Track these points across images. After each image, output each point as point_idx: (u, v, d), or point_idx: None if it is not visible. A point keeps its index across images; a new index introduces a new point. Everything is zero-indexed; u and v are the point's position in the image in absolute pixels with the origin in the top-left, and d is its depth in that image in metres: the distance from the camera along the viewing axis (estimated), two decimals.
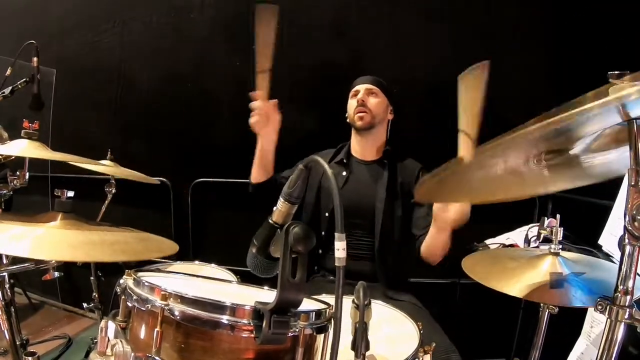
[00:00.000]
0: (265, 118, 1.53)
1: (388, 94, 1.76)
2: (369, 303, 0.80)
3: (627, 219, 0.64)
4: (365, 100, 1.69)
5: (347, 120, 1.77)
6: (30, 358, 1.26)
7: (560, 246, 1.04)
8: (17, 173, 1.53)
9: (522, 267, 1.03)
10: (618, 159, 0.71)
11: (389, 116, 1.78)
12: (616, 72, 0.59)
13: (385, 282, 1.60)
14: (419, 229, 1.61)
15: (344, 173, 1.72)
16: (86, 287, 2.10)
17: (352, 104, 1.73)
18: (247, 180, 1.79)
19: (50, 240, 0.82)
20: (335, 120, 1.86)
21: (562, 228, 1.04)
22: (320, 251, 1.67)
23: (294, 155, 1.52)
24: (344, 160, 1.75)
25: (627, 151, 0.64)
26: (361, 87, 1.72)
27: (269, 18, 1.36)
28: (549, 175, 0.83)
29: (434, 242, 1.49)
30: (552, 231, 1.04)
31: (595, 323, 1.33)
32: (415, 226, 1.64)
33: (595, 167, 0.81)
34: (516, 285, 0.96)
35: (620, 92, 0.50)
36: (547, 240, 1.11)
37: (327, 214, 1.69)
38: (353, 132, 1.78)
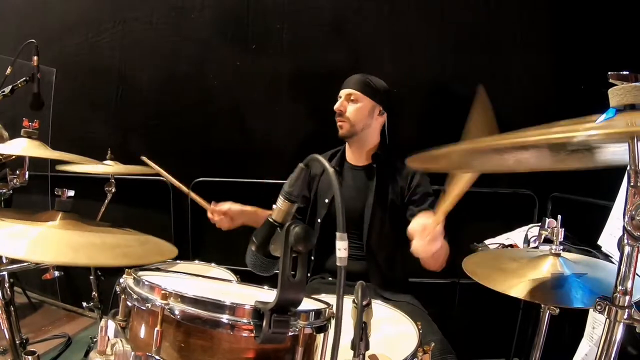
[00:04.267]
0: (226, 222, 1.58)
1: (374, 96, 1.65)
2: (369, 303, 0.80)
3: (626, 219, 0.64)
4: (342, 109, 1.63)
5: None
6: (29, 357, 1.26)
7: (562, 247, 1.04)
8: (17, 172, 1.53)
9: (523, 267, 1.02)
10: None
11: (377, 118, 1.67)
12: (616, 73, 0.59)
13: (378, 282, 1.58)
14: None
15: None
16: (86, 286, 2.10)
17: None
18: (247, 180, 1.79)
19: (50, 242, 0.81)
20: (334, 121, 1.85)
21: (563, 229, 1.04)
22: (312, 258, 1.60)
23: (293, 155, 1.52)
24: (337, 168, 1.71)
25: None
26: (342, 93, 1.66)
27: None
28: (555, 157, 0.82)
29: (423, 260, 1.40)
30: (553, 232, 1.04)
31: (597, 324, 1.32)
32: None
33: (605, 153, 0.80)
34: (517, 286, 0.95)
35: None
36: (547, 241, 1.11)
37: (319, 220, 1.62)
38: None
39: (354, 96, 1.63)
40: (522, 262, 1.06)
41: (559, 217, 1.06)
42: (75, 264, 0.79)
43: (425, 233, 1.21)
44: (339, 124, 1.65)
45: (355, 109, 1.63)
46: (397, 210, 1.62)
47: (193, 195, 1.58)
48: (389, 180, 1.64)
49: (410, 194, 1.62)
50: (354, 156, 1.73)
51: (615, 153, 0.77)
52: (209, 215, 1.57)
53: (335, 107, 1.64)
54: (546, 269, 1.00)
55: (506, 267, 1.05)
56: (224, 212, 1.56)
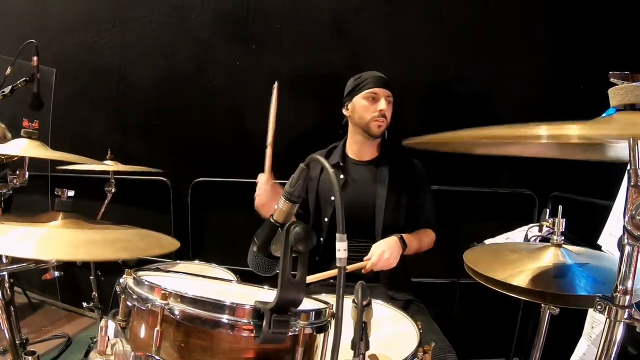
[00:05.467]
0: (266, 197, 1.48)
1: (394, 95, 1.70)
2: (369, 303, 0.80)
3: (626, 218, 0.64)
4: (386, 110, 1.62)
5: (355, 121, 1.67)
6: (30, 357, 1.26)
7: (563, 237, 1.03)
8: (17, 172, 1.53)
9: (524, 258, 1.01)
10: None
11: None
12: (617, 72, 0.59)
13: (387, 282, 1.59)
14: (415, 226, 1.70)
15: (341, 176, 1.68)
16: (86, 287, 2.11)
17: (367, 107, 1.63)
18: (247, 180, 1.78)
19: (52, 240, 0.82)
20: (334, 120, 1.85)
21: (564, 219, 1.03)
22: (317, 258, 1.62)
23: (292, 155, 1.51)
24: (340, 164, 1.70)
25: None
26: (381, 93, 1.62)
27: (277, 95, 1.48)
28: (561, 147, 0.82)
29: None
30: (554, 223, 1.03)
31: (595, 323, 1.32)
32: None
33: (611, 148, 0.80)
34: (519, 275, 0.94)
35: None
36: (546, 241, 1.11)
37: (326, 219, 1.66)
38: (354, 132, 1.71)
39: (390, 97, 1.65)
40: (523, 254, 1.05)
41: (560, 207, 1.05)
42: (80, 259, 0.79)
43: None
44: (379, 124, 1.63)
45: (390, 109, 1.66)
46: (408, 202, 1.67)
47: (270, 152, 1.46)
48: (399, 173, 1.67)
49: (416, 187, 1.69)
50: (361, 152, 1.73)
51: (623, 148, 0.77)
52: (261, 181, 1.49)
53: (381, 107, 1.61)
54: (548, 259, 0.99)
55: (507, 259, 1.03)
56: (276, 189, 1.49)
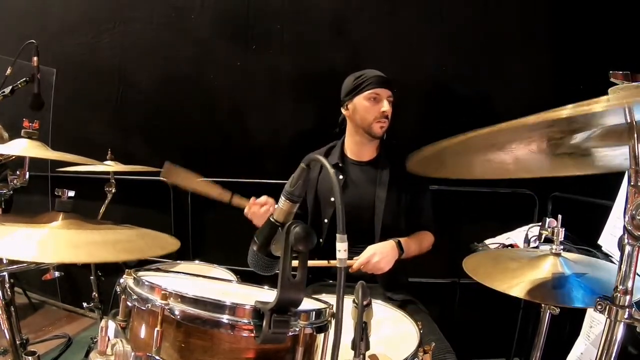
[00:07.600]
0: (259, 215, 1.44)
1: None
2: (370, 303, 0.80)
3: (626, 218, 0.64)
4: (389, 112, 1.61)
5: (356, 121, 1.65)
6: (30, 357, 1.26)
7: (562, 247, 1.04)
8: (17, 172, 1.53)
9: (524, 267, 1.03)
10: (624, 154, 0.70)
11: None
12: (618, 72, 0.59)
13: (385, 282, 1.59)
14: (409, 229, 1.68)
15: (340, 177, 1.66)
16: (86, 287, 2.11)
17: (370, 108, 1.60)
18: (247, 180, 1.78)
19: (52, 243, 0.82)
20: (334, 120, 1.85)
21: (563, 229, 1.04)
22: (316, 259, 1.60)
23: (292, 155, 1.51)
24: (340, 164, 1.69)
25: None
26: (383, 93, 1.61)
27: (175, 172, 1.40)
28: (554, 161, 0.83)
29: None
30: (553, 232, 1.04)
31: (594, 323, 1.33)
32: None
33: (602, 158, 0.81)
34: (518, 286, 0.96)
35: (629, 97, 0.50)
36: (547, 240, 1.11)
37: (326, 221, 1.65)
38: (354, 133, 1.69)
39: (391, 97, 1.63)
40: (523, 262, 1.06)
41: (559, 216, 1.06)
42: (82, 261, 0.79)
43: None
44: (382, 125, 1.62)
45: (391, 109, 1.63)
46: (407, 204, 1.66)
47: (236, 200, 1.42)
48: (399, 174, 1.65)
49: (416, 189, 1.67)
50: (360, 152, 1.71)
51: (614, 157, 0.78)
52: (248, 210, 1.44)
53: (385, 109, 1.60)
54: (546, 268, 1.00)
55: (506, 267, 1.05)
56: (264, 203, 1.43)
